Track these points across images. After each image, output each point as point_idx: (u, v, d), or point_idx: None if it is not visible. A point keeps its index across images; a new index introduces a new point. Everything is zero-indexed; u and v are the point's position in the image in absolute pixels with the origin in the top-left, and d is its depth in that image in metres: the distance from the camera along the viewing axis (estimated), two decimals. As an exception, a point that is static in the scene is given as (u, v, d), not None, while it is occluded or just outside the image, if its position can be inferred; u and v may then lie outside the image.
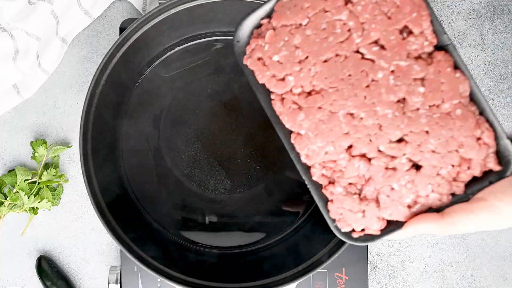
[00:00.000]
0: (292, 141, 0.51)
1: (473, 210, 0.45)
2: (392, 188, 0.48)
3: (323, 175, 0.51)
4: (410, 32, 0.48)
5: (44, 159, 0.79)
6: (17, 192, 0.77)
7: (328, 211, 0.51)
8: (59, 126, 0.82)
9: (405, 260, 0.81)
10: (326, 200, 0.51)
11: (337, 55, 0.49)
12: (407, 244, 0.81)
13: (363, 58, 0.48)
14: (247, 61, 0.52)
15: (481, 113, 0.48)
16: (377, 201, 0.49)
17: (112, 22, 0.83)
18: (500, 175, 0.47)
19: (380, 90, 0.48)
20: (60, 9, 0.79)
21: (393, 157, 0.48)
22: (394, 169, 0.48)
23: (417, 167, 0.48)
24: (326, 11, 0.49)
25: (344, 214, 0.50)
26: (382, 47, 0.48)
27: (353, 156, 0.49)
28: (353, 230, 0.50)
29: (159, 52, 0.73)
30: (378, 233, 0.49)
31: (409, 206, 0.48)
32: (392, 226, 0.49)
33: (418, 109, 0.47)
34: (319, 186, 0.51)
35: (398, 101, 0.48)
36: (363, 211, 0.49)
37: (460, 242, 0.81)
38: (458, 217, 0.45)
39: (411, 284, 0.80)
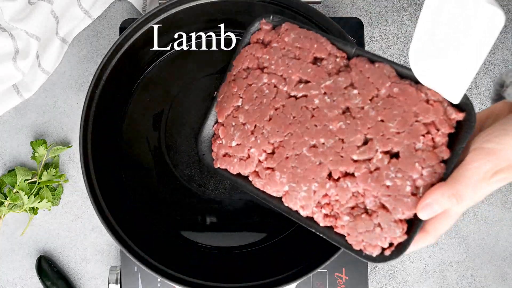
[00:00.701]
0: (286, 203, 0.55)
1: (471, 161, 0.44)
2: (387, 186, 0.49)
3: (325, 215, 0.53)
4: (321, 59, 0.55)
5: (44, 159, 0.79)
6: (17, 192, 0.77)
7: (350, 246, 0.52)
8: (59, 126, 0.82)
9: (405, 260, 0.81)
10: (343, 238, 0.52)
11: (276, 109, 0.55)
12: (407, 244, 0.81)
13: (296, 98, 0.55)
14: (217, 164, 0.60)
15: (417, 82, 0.50)
16: (383, 207, 0.49)
17: (112, 22, 0.83)
18: (469, 120, 0.48)
19: (324, 111, 0.53)
20: (60, 9, 0.79)
21: (370, 159, 0.50)
22: (377, 169, 0.49)
23: (395, 156, 0.49)
24: (251, 84, 0.56)
25: (365, 238, 0.50)
26: (306, 81, 0.54)
27: (337, 180, 0.51)
28: (383, 250, 0.50)
29: (159, 52, 0.73)
30: (405, 236, 0.49)
31: (413, 194, 0.48)
32: (414, 225, 0.49)
33: (362, 107, 0.51)
34: (330, 230, 0.53)
35: (343, 112, 0.52)
36: (379, 224, 0.49)
37: (460, 242, 0.81)
38: (461, 172, 0.44)
39: (411, 284, 0.80)
